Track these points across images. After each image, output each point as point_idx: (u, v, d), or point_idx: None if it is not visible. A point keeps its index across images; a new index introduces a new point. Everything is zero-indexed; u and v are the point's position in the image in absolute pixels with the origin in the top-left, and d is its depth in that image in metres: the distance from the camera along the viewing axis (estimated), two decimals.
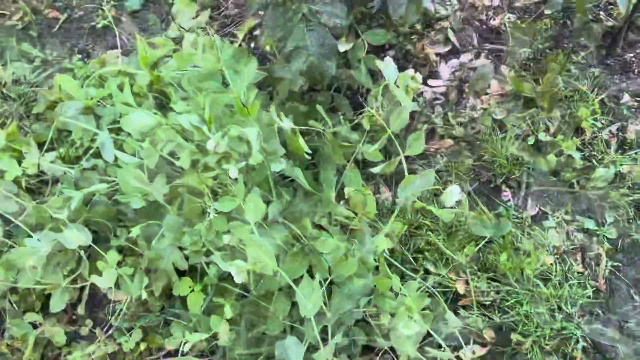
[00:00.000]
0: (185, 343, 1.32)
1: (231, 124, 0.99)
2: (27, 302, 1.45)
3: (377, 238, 1.07)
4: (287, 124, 1.04)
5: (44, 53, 1.96)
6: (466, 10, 1.92)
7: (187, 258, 1.33)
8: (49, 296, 1.48)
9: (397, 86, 1.15)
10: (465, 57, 1.84)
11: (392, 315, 1.32)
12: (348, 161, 1.17)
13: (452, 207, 1.08)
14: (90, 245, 1.39)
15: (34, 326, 1.38)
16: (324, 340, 1.30)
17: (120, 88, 1.54)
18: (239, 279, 0.97)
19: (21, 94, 1.80)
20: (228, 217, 1.10)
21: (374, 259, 1.08)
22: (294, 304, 1.31)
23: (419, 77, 1.15)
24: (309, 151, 1.08)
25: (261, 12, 1.28)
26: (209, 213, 1.09)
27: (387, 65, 1.08)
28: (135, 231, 1.24)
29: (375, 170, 1.02)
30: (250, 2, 1.23)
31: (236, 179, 1.01)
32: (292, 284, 0.98)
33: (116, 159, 1.51)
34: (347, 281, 1.06)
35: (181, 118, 1.03)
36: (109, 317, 1.43)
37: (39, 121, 1.73)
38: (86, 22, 2.05)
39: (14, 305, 1.42)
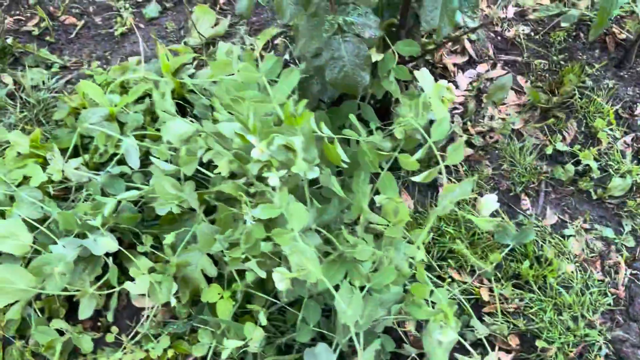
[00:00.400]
0: (210, 349, 1.33)
1: (274, 132, 1.01)
2: (51, 309, 1.44)
3: (413, 245, 1.09)
4: (326, 133, 1.05)
5: (62, 59, 1.96)
6: (482, 22, 1.95)
7: (216, 264, 1.34)
8: (72, 303, 1.48)
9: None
10: (481, 68, 1.87)
11: (422, 322, 1.34)
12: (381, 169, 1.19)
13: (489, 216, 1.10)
14: (115, 252, 1.40)
15: (60, 333, 1.37)
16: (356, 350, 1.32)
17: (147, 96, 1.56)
18: (281, 285, 0.98)
19: (40, 100, 1.80)
20: (265, 225, 1.11)
21: (410, 266, 1.10)
22: (324, 312, 1.33)
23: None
24: (347, 160, 1.09)
25: (291, 23, 1.30)
26: (246, 220, 1.10)
27: (423, 76, 1.10)
28: (169, 238, 1.25)
29: (416, 178, 1.04)
30: (282, 12, 1.24)
31: (276, 187, 1.02)
32: (333, 290, 0.99)
33: (141, 165, 1.53)
34: (385, 289, 1.08)
35: (223, 126, 1.04)
36: (134, 324, 1.43)
37: (59, 127, 1.73)
38: (103, 28, 2.05)
39: (38, 312, 1.42)
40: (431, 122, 1.15)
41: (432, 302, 1.21)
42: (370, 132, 1.29)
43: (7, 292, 1.21)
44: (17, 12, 2.14)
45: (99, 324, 1.44)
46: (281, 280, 0.97)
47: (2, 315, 1.42)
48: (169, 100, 1.10)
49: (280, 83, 1.06)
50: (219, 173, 1.27)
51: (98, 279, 1.40)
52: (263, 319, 1.18)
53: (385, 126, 1.39)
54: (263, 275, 1.13)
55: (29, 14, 2.13)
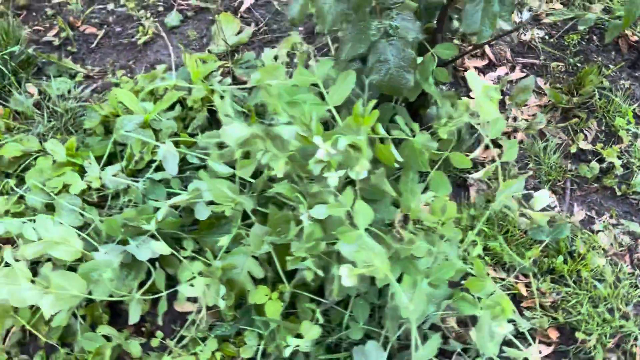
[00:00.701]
0: (258, 351, 1.35)
1: (334, 134, 1.04)
2: (94, 316, 1.45)
3: (467, 241, 1.12)
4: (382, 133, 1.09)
5: (85, 69, 1.97)
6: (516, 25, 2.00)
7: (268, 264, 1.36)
8: (114, 309, 1.49)
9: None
10: (501, 71, 1.92)
11: (466, 318, 1.38)
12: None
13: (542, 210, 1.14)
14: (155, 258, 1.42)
15: (107, 339, 1.38)
16: (404, 347, 1.35)
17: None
18: (348, 282, 1.00)
19: (68, 109, 1.80)
20: (322, 225, 1.13)
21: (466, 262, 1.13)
22: (373, 309, 1.35)
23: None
24: (400, 159, 1.12)
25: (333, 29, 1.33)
26: (303, 221, 1.13)
27: (473, 77, 1.14)
28: (223, 241, 1.27)
29: (477, 175, 1.08)
30: (323, 19, 1.27)
31: (334, 187, 1.05)
32: (397, 286, 1.02)
33: (180, 171, 1.55)
34: (442, 284, 1.11)
35: (282, 128, 1.07)
36: (179, 329, 1.44)
37: (89, 135, 1.74)
38: (125, 38, 2.07)
39: (81, 319, 1.42)
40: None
41: (477, 297, 1.25)
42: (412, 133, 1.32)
43: (61, 298, 1.21)
44: (35, 23, 2.15)
45: (143, 329, 1.45)
46: (349, 276, 0.99)
47: (41, 321, 1.43)
48: (229, 104, 1.12)
49: (336, 86, 1.09)
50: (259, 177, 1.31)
51: (141, 284, 1.41)
52: (320, 317, 1.20)
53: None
54: (321, 273, 1.16)
55: (47, 25, 2.13)
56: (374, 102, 1.02)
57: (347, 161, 1.09)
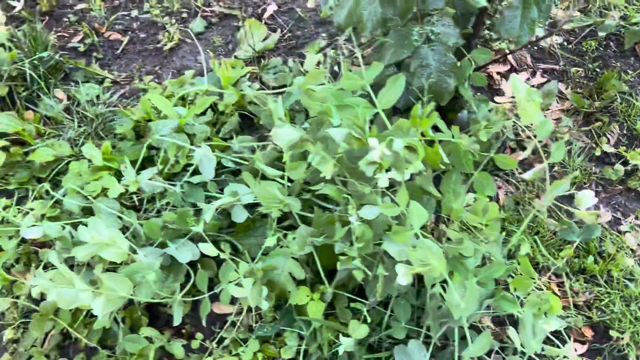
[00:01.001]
0: (300, 352, 1.37)
1: (385, 135, 1.06)
2: (132, 318, 1.46)
3: (514, 240, 1.15)
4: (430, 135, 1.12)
5: (112, 74, 1.99)
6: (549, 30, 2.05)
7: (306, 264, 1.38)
8: (152, 311, 1.50)
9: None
10: (522, 76, 1.96)
11: (503, 316, 1.40)
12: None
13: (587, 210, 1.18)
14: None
15: (149, 341, 1.39)
16: (443, 346, 1.37)
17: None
18: (403, 280, 1.02)
19: (98, 114, 1.82)
20: (370, 225, 1.16)
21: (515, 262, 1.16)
22: (413, 309, 1.38)
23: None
24: (447, 161, 1.15)
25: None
26: (352, 222, 1.15)
27: (516, 81, 1.17)
28: (270, 241, 1.28)
29: (526, 176, 1.10)
30: (363, 25, 1.30)
31: (387, 187, 1.08)
32: (451, 283, 1.04)
33: (215, 175, 1.57)
34: (490, 283, 1.13)
35: (334, 131, 1.09)
36: (219, 330, 1.45)
37: (120, 140, 1.76)
38: (150, 44, 2.09)
39: (120, 321, 1.43)
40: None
41: (516, 295, 1.28)
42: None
43: (111, 299, 1.23)
44: (59, 29, 2.17)
45: (182, 330, 1.46)
46: (405, 274, 1.02)
47: (80, 324, 1.44)
48: (282, 109, 1.15)
49: (386, 90, 1.12)
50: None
51: (182, 286, 1.43)
52: (368, 317, 1.22)
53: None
54: (369, 273, 1.18)
55: (72, 31, 2.15)
56: (432, 104, 1.05)
57: (396, 162, 1.12)
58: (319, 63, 1.44)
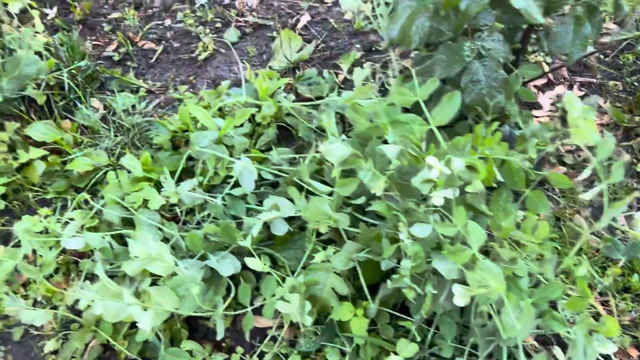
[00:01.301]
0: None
1: (440, 153, 1.05)
2: (172, 331, 1.45)
3: (568, 260, 1.13)
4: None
5: (147, 84, 1.99)
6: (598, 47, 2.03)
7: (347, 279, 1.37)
8: (191, 323, 1.50)
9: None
10: (559, 89, 1.94)
11: (550, 336, 1.38)
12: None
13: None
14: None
15: (190, 354, 1.38)
16: None
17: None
18: (461, 302, 1.01)
19: (135, 124, 1.82)
20: (424, 244, 1.14)
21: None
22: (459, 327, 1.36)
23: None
24: (501, 179, 1.14)
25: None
26: (403, 239, 1.14)
27: (572, 99, 1.15)
28: (319, 256, 1.27)
29: (587, 196, 1.09)
30: (410, 39, 1.29)
31: (439, 206, 1.07)
32: (508, 304, 1.03)
33: (255, 187, 1.56)
34: (544, 304, 1.12)
35: (387, 147, 1.08)
36: (258, 344, 1.44)
37: (157, 150, 1.76)
38: (184, 53, 2.09)
39: (160, 333, 1.43)
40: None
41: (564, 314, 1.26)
42: None
43: (158, 313, 1.22)
44: (93, 38, 2.18)
45: (222, 344, 1.45)
46: (462, 295, 1.00)
47: (119, 336, 1.43)
48: (334, 124, 1.14)
49: (441, 106, 1.11)
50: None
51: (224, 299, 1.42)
52: (417, 335, 1.21)
53: None
54: (419, 291, 1.16)
55: (106, 40, 2.16)
56: (496, 124, 1.03)
57: (450, 180, 1.10)
58: (368, 78, 1.43)
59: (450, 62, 1.25)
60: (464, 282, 1.24)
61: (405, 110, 1.23)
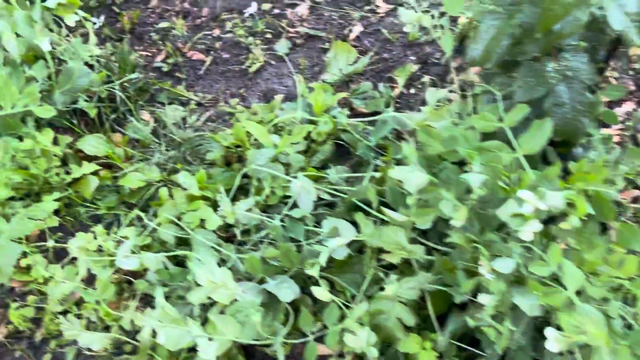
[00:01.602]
0: None
1: (528, 185, 0.98)
2: (229, 356, 1.41)
3: None
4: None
5: (196, 96, 1.96)
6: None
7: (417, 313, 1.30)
8: (247, 349, 1.45)
9: None
10: (627, 106, 1.85)
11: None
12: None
13: None
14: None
15: None
16: None
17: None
18: (555, 347, 0.94)
19: (186, 138, 1.78)
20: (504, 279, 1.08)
21: None
22: None
23: None
24: (592, 211, 1.06)
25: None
26: (483, 274, 1.07)
27: None
28: (392, 288, 1.21)
29: None
30: (489, 56, 1.21)
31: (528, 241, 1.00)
32: (604, 351, 0.95)
33: (314, 207, 1.50)
34: (638, 349, 1.04)
35: (472, 177, 1.02)
36: None
37: (209, 166, 1.72)
38: (233, 65, 2.05)
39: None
40: None
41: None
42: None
43: (222, 343, 1.17)
44: (141, 48, 2.15)
45: None
46: (558, 342, 0.93)
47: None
48: (413, 152, 1.08)
49: (530, 134, 1.04)
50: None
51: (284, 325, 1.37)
52: None
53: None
54: (503, 331, 1.09)
55: (154, 50, 2.13)
56: (605, 157, 0.96)
57: (538, 213, 1.03)
58: (448, 100, 1.35)
59: (534, 84, 1.17)
60: (545, 319, 1.17)
61: (484, 135, 1.17)
